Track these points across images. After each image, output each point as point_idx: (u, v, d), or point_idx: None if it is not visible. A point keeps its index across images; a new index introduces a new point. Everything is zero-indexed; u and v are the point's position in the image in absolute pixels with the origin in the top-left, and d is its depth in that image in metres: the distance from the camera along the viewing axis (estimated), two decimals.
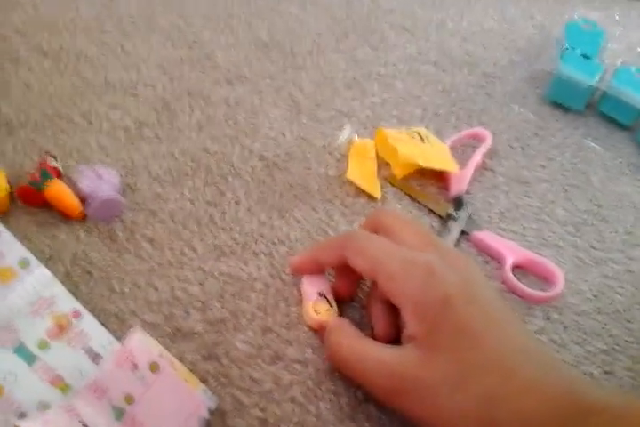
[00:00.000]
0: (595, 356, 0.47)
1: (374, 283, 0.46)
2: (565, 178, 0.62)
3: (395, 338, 0.45)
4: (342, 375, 0.44)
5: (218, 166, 0.60)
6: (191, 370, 0.42)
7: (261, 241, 0.53)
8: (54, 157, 0.57)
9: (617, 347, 0.48)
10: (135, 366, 0.39)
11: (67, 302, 0.44)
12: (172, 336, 0.45)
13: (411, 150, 0.59)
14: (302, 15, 0.84)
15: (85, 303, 0.46)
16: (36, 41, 0.73)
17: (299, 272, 0.49)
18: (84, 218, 0.53)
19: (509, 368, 0.35)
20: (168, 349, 0.43)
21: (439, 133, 0.66)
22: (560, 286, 0.50)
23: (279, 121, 0.66)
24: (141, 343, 0.40)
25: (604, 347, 0.48)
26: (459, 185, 0.59)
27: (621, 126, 0.69)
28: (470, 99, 0.72)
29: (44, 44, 0.73)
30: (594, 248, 0.55)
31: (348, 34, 0.82)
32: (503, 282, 0.52)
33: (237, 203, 0.56)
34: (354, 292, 0.49)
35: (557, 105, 0.72)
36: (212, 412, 0.40)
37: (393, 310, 0.44)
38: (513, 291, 0.51)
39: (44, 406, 0.40)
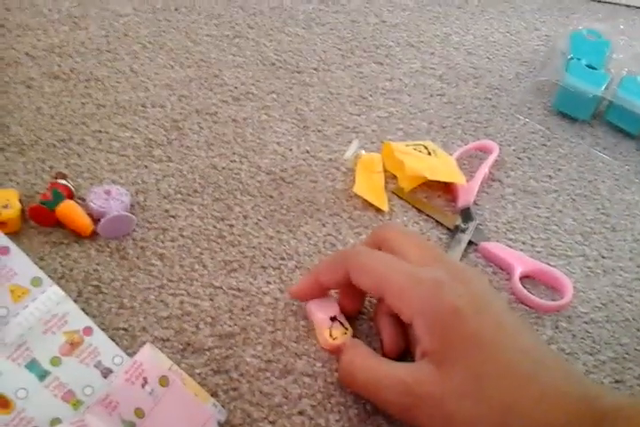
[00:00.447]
0: (605, 365, 0.47)
1: (380, 299, 0.46)
2: (573, 187, 0.62)
3: (403, 351, 0.45)
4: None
5: (226, 183, 0.61)
6: (201, 384, 0.43)
7: (270, 255, 0.54)
8: (65, 177, 0.58)
9: (627, 356, 0.48)
10: (145, 381, 0.39)
11: (78, 320, 0.45)
12: (183, 351, 0.46)
13: (417, 163, 0.59)
14: (308, 35, 0.85)
15: (97, 320, 0.46)
16: (47, 64, 0.74)
17: (301, 298, 0.49)
18: (95, 236, 0.54)
19: (523, 376, 0.35)
20: (178, 363, 0.44)
21: (446, 146, 0.66)
22: (569, 295, 0.50)
23: (286, 137, 0.67)
24: (151, 358, 0.40)
25: (614, 355, 0.48)
26: (466, 197, 0.59)
27: (628, 135, 0.70)
28: (476, 111, 0.73)
29: (55, 67, 0.74)
30: (603, 257, 0.55)
31: (354, 50, 0.83)
32: (512, 292, 0.52)
33: (246, 218, 0.57)
34: (360, 307, 0.49)
35: (564, 115, 0.72)
36: (221, 425, 0.40)
37: (400, 324, 0.45)
38: (522, 301, 0.51)
39: (56, 422, 0.40)
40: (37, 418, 0.40)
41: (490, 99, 0.75)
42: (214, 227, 0.56)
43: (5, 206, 0.54)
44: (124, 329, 0.47)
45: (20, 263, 0.46)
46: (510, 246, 0.55)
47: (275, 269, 0.53)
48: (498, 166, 0.64)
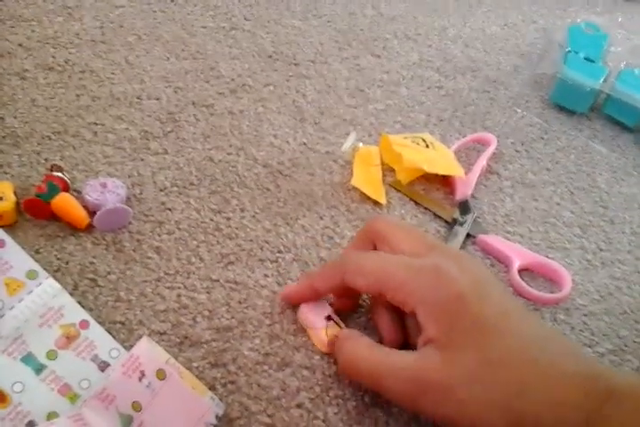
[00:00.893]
0: (603, 357, 0.47)
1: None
2: (571, 180, 0.62)
3: (402, 344, 0.45)
4: (350, 381, 0.44)
5: (223, 175, 0.60)
6: (199, 377, 0.42)
7: (267, 248, 0.53)
8: (61, 169, 0.57)
9: (625, 348, 0.48)
10: (142, 374, 0.39)
11: (75, 313, 0.44)
12: (180, 344, 0.46)
13: (415, 156, 0.59)
14: (305, 26, 0.85)
15: (93, 314, 0.46)
16: (41, 55, 0.73)
17: (292, 302, 0.48)
18: (91, 229, 0.53)
19: (530, 359, 0.36)
20: (176, 357, 0.43)
21: (443, 138, 0.66)
22: (568, 287, 0.50)
23: (283, 129, 0.67)
24: (148, 351, 0.40)
25: (613, 348, 0.48)
26: (464, 189, 0.59)
27: (626, 128, 0.69)
28: (474, 104, 0.72)
29: (49, 58, 0.73)
30: (601, 250, 0.55)
31: (351, 43, 0.82)
32: (510, 285, 0.52)
33: (243, 210, 0.57)
34: (357, 304, 0.49)
35: (562, 108, 0.72)
36: (219, 419, 0.40)
37: (398, 317, 0.45)
38: (520, 293, 0.51)
39: (52, 416, 0.40)
40: (34, 412, 0.40)
41: (488, 91, 0.75)
42: (211, 220, 0.56)
43: (0, 199, 0.53)
44: (121, 322, 0.47)
45: (16, 256, 0.45)
46: (508, 239, 0.55)
47: (272, 262, 0.52)
48: (496, 159, 0.64)
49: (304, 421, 0.42)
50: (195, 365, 0.44)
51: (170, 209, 0.56)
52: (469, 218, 0.56)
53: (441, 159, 0.60)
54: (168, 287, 0.50)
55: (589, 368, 0.35)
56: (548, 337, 0.37)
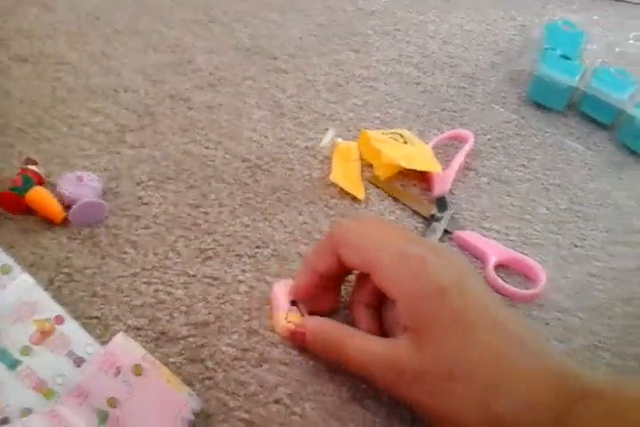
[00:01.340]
0: (577, 352, 0.48)
1: (357, 286, 0.46)
2: (547, 177, 0.63)
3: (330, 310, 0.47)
4: (328, 376, 0.44)
5: (200, 169, 0.60)
6: (176, 373, 0.42)
7: (245, 243, 0.53)
8: (35, 163, 0.56)
9: (598, 343, 0.48)
10: (118, 370, 0.39)
11: (49, 308, 0.44)
12: (157, 340, 0.45)
13: (394, 152, 0.59)
14: (283, 20, 0.84)
15: (69, 309, 0.45)
16: (16, 47, 0.72)
17: (306, 295, 0.47)
18: (66, 223, 0.53)
19: (506, 357, 0.36)
20: (153, 352, 0.43)
21: (421, 134, 0.66)
22: (542, 283, 0.51)
23: (262, 124, 0.66)
24: (124, 347, 0.40)
25: (586, 343, 0.48)
26: (442, 185, 0.59)
27: (601, 126, 0.70)
28: (451, 100, 0.73)
29: (24, 49, 0.72)
30: (575, 246, 0.56)
31: (330, 38, 0.82)
32: (486, 281, 0.52)
33: (221, 205, 0.56)
34: (337, 306, 0.49)
35: (538, 105, 0.72)
36: (196, 414, 0.40)
37: (377, 313, 0.45)
38: (496, 290, 0.51)
39: (27, 412, 0.39)
40: (8, 408, 0.39)
41: (465, 88, 0.75)
42: (188, 214, 0.55)
43: None
44: (97, 318, 0.46)
45: None
46: (484, 235, 0.55)
47: (250, 258, 0.52)
48: (473, 155, 0.64)
49: (282, 416, 0.42)
50: (172, 360, 0.44)
51: (146, 203, 0.56)
52: (447, 214, 0.57)
53: (419, 155, 0.60)
54: (145, 282, 0.49)
55: (563, 369, 0.36)
56: (525, 335, 0.37)
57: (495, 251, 0.53)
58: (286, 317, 0.46)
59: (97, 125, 0.64)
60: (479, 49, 0.83)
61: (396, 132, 0.63)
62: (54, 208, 0.52)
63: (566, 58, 0.73)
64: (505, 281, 0.51)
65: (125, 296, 0.48)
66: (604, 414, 0.33)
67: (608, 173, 0.64)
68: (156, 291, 0.49)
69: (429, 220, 0.56)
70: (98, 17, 0.79)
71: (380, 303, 0.46)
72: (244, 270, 0.51)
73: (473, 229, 0.56)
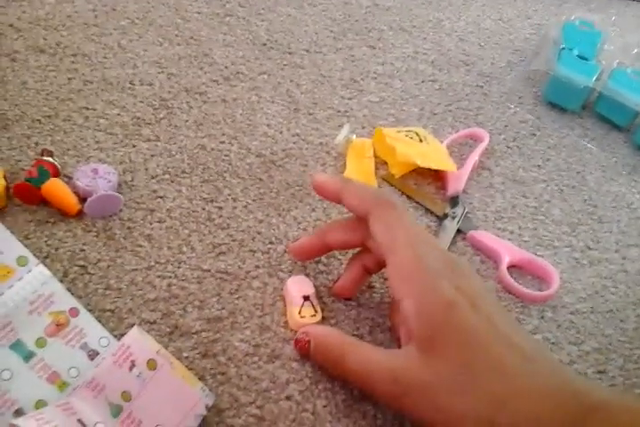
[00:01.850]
0: (588, 355, 0.48)
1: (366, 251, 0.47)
2: (561, 178, 0.62)
3: (350, 296, 0.49)
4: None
5: (215, 164, 0.60)
6: (188, 368, 0.42)
7: (259, 239, 0.53)
8: (51, 154, 0.57)
9: (610, 346, 0.48)
10: (133, 364, 0.39)
11: (65, 300, 0.44)
12: (170, 334, 0.46)
13: (409, 150, 0.59)
14: (299, 15, 0.84)
15: (83, 301, 0.46)
16: (33, 37, 0.72)
17: (300, 255, 0.49)
18: (81, 216, 0.53)
19: (514, 372, 0.36)
20: (165, 346, 0.43)
21: (436, 133, 0.66)
22: (555, 285, 0.51)
23: (277, 119, 0.66)
24: (139, 341, 0.40)
25: (598, 346, 0.48)
26: (456, 184, 0.59)
27: (617, 127, 0.70)
28: (467, 98, 0.72)
29: (41, 40, 0.72)
30: (589, 248, 0.55)
31: (346, 33, 0.82)
32: (499, 281, 0.52)
33: (235, 200, 0.57)
34: (355, 293, 0.49)
35: (554, 105, 0.72)
36: (208, 409, 0.40)
37: (364, 275, 0.47)
38: (509, 290, 0.51)
39: (40, 404, 0.40)
40: (22, 400, 0.39)
41: (481, 86, 0.75)
42: (203, 209, 0.55)
43: None
44: (111, 311, 0.47)
45: (6, 242, 0.45)
46: (498, 235, 0.55)
47: (263, 254, 0.52)
48: (487, 155, 0.64)
49: (293, 413, 0.42)
50: (185, 355, 0.44)
51: (161, 197, 0.56)
52: (460, 213, 0.57)
53: (434, 154, 0.60)
54: (159, 276, 0.49)
55: (571, 384, 0.35)
56: (534, 351, 0.37)
57: (509, 251, 0.53)
58: (299, 312, 0.46)
59: (113, 118, 0.64)
60: (495, 47, 0.83)
61: (411, 130, 0.63)
62: (70, 200, 0.53)
63: (583, 58, 0.73)
64: (518, 282, 0.51)
65: (139, 290, 0.48)
66: None
67: (623, 176, 0.64)
68: (170, 285, 0.49)
69: (443, 219, 0.56)
70: (114, 8, 0.79)
71: (378, 269, 0.47)
72: (257, 266, 0.51)
73: (486, 229, 0.56)
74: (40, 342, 0.42)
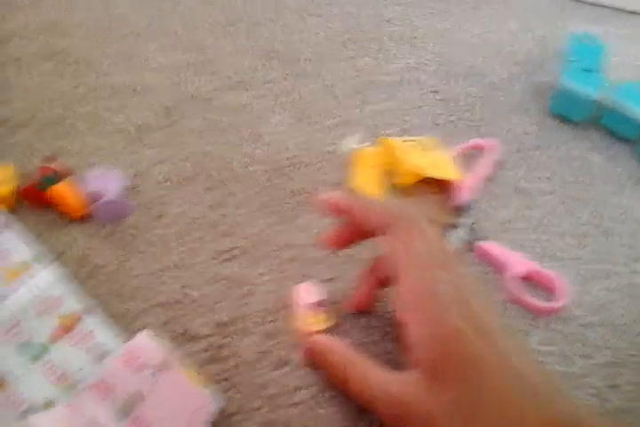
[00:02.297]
0: (597, 368, 0.47)
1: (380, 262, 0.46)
2: (568, 190, 0.62)
3: (365, 309, 0.48)
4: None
5: (219, 172, 0.60)
6: (196, 372, 0.42)
7: (265, 246, 0.53)
8: (55, 160, 0.56)
9: (618, 360, 0.48)
10: (142, 366, 0.38)
11: (74, 302, 0.44)
12: (178, 338, 0.45)
13: (415, 160, 0.59)
14: (301, 25, 0.84)
15: (92, 304, 0.45)
16: (38, 44, 0.73)
17: (335, 244, 0.46)
18: (89, 219, 0.53)
19: (517, 405, 0.35)
20: (174, 351, 0.43)
21: (441, 143, 0.66)
22: (564, 297, 0.50)
23: (281, 127, 0.66)
24: (149, 344, 0.39)
25: (608, 360, 0.48)
26: (462, 195, 0.59)
27: (623, 139, 0.70)
28: (470, 109, 0.73)
29: (46, 46, 0.72)
30: (596, 261, 0.55)
31: (347, 44, 0.82)
32: (507, 293, 0.52)
33: (240, 208, 0.56)
34: (371, 306, 0.49)
35: (559, 117, 0.72)
36: (216, 414, 0.40)
37: (377, 286, 0.46)
38: (517, 302, 0.51)
39: (49, 405, 0.39)
40: (30, 399, 0.39)
41: (483, 97, 0.75)
42: (207, 216, 0.55)
43: (1, 182, 0.53)
44: (119, 314, 0.46)
45: (18, 242, 0.45)
46: (506, 246, 0.55)
47: (270, 261, 0.52)
48: (494, 166, 0.64)
49: (301, 420, 0.41)
50: (192, 359, 0.44)
51: (167, 203, 0.56)
52: (467, 224, 0.56)
53: (440, 164, 0.60)
54: (167, 280, 0.49)
55: (569, 416, 0.35)
56: (538, 380, 0.36)
57: (517, 263, 0.53)
58: (308, 319, 0.46)
59: (118, 124, 0.64)
60: (498, 59, 0.83)
61: (417, 140, 0.63)
62: (77, 203, 0.52)
63: (588, 70, 0.73)
64: (526, 294, 0.51)
65: (147, 294, 0.48)
66: None
67: (629, 188, 0.64)
68: (177, 290, 0.48)
69: (449, 229, 0.56)
70: (121, 16, 0.79)
71: (388, 283, 0.45)
72: (262, 273, 0.51)
73: (493, 240, 0.56)
74: (48, 344, 0.41)
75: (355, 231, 0.46)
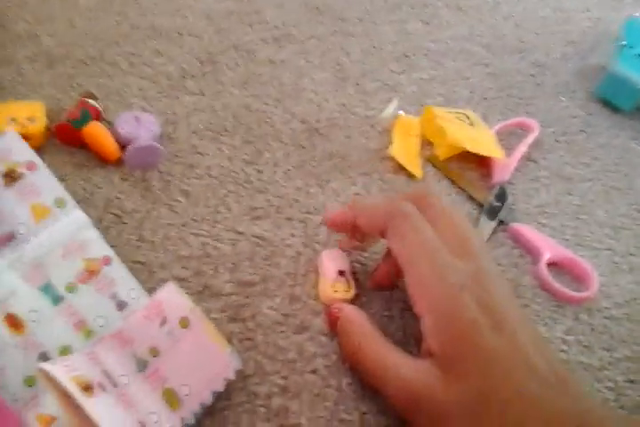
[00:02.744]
0: (620, 362, 0.46)
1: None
2: (608, 179, 0.61)
3: (388, 287, 0.47)
4: None
5: (258, 126, 0.59)
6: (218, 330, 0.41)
7: (297, 207, 0.52)
8: (95, 97, 0.55)
9: None
10: (164, 320, 0.38)
11: (99, 248, 0.43)
12: (200, 293, 0.45)
13: (458, 132, 0.58)
14: None
15: (115, 251, 0.44)
16: None
17: (331, 226, 0.47)
18: (120, 163, 0.52)
19: (530, 399, 0.34)
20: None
21: (485, 118, 0.64)
22: (593, 288, 0.49)
23: (324, 86, 0.65)
24: (173, 298, 0.39)
25: (630, 354, 0.47)
26: (502, 174, 0.57)
27: None
28: (519, 86, 0.70)
29: None
30: (631, 254, 0.54)
31: (401, 5, 0.80)
32: (536, 278, 0.51)
33: (275, 165, 0.55)
34: (394, 284, 0.47)
35: (606, 103, 0.70)
36: (235, 374, 0.39)
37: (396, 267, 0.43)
38: (545, 288, 0.50)
39: (65, 350, 0.39)
40: (47, 344, 0.39)
41: (534, 76, 0.73)
42: (242, 170, 0.54)
43: (31, 120, 0.51)
44: (142, 263, 0.46)
45: (46, 182, 0.44)
46: (539, 230, 0.54)
47: (300, 222, 0.51)
48: (535, 147, 0.62)
49: (317, 387, 0.41)
50: (213, 316, 0.43)
51: (201, 153, 0.55)
52: (504, 204, 0.55)
53: (483, 139, 0.59)
54: (193, 234, 0.48)
55: (587, 413, 0.34)
56: (552, 374, 0.35)
57: (549, 248, 0.52)
58: (333, 286, 0.45)
59: (158, 67, 0.62)
60: (551, 37, 0.80)
61: (461, 112, 0.61)
62: (110, 146, 0.51)
63: None
64: (555, 280, 0.50)
65: (172, 245, 0.47)
66: None
67: None
68: (204, 244, 0.48)
69: (485, 207, 0.55)
70: None
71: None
72: (292, 234, 0.50)
73: (528, 223, 0.54)
74: (70, 287, 0.41)
75: (352, 224, 0.45)
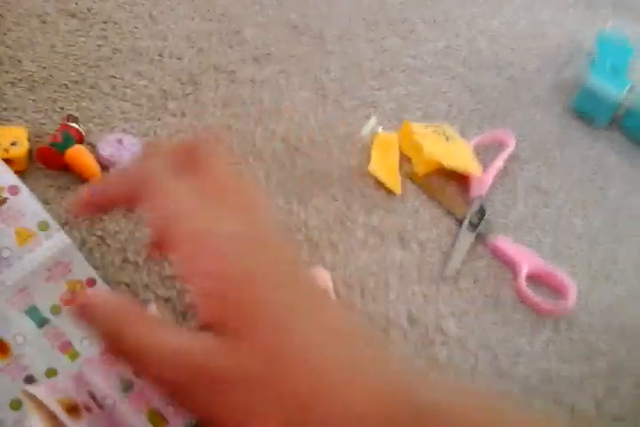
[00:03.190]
0: (598, 373, 0.47)
1: None
2: (583, 191, 0.62)
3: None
4: None
5: (239, 145, 0.59)
6: None
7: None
8: (76, 120, 0.56)
9: (620, 368, 0.48)
10: None
11: (82, 270, 0.44)
12: (184, 313, 0.45)
13: (435, 148, 0.59)
14: (333, 1, 0.83)
15: (99, 272, 0.45)
16: (64, 1, 0.71)
17: (85, 210, 0.35)
18: None
19: (317, 367, 0.28)
20: (179, 326, 0.43)
21: (462, 131, 0.65)
22: (572, 299, 0.50)
23: (304, 104, 0.66)
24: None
25: (608, 366, 0.48)
26: (479, 188, 0.58)
27: None
28: (495, 100, 0.72)
29: (72, 4, 0.71)
30: (607, 265, 0.55)
31: (378, 22, 0.81)
32: (516, 291, 0.52)
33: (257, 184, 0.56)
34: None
35: (581, 116, 0.72)
36: None
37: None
38: (525, 301, 0.51)
39: (51, 372, 0.39)
40: (33, 366, 0.39)
41: (510, 90, 0.74)
42: None
43: (14, 144, 0.52)
44: (126, 284, 0.46)
45: (29, 206, 0.44)
46: (518, 242, 0.55)
47: None
48: (512, 160, 0.64)
49: None
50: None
51: None
52: (481, 218, 0.56)
53: (460, 154, 0.60)
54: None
55: (398, 383, 0.29)
56: (350, 340, 0.30)
57: (527, 261, 0.53)
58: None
59: (140, 89, 0.63)
60: (526, 52, 0.82)
61: (438, 126, 0.62)
62: (93, 169, 0.52)
63: (615, 71, 0.72)
64: (534, 293, 0.51)
65: (156, 265, 0.48)
66: None
67: None
68: None
69: (463, 222, 0.56)
70: None
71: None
72: None
73: (506, 236, 0.55)
74: (55, 310, 0.41)
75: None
